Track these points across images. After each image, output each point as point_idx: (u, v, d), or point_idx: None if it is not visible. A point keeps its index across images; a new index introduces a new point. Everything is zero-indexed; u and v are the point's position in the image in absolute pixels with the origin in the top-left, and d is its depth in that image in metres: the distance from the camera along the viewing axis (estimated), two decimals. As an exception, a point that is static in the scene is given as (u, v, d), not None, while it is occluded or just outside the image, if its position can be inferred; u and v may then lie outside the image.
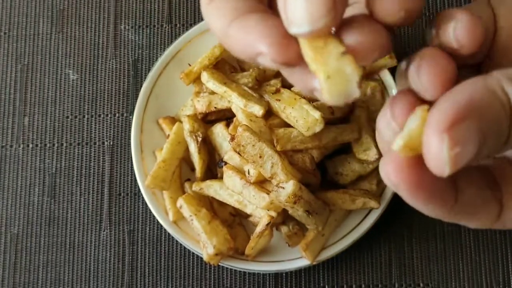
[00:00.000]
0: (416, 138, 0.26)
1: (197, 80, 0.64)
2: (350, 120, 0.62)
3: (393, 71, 0.63)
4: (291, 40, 0.26)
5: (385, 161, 0.27)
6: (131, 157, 0.64)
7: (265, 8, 0.29)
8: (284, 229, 0.61)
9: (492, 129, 0.26)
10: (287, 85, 0.62)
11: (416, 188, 0.27)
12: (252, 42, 0.26)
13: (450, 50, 0.28)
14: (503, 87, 0.26)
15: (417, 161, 0.27)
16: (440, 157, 0.25)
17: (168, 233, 0.65)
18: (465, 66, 0.32)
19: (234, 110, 0.61)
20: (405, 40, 0.69)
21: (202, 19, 0.69)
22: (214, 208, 0.63)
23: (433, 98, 0.27)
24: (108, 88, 0.70)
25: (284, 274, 0.64)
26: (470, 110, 0.25)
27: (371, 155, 0.59)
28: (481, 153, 0.26)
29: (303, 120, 0.58)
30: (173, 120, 0.66)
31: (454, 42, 0.28)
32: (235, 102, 0.60)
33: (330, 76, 0.25)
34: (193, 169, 0.64)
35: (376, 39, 0.27)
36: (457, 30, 0.28)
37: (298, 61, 0.26)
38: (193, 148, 0.62)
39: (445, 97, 0.26)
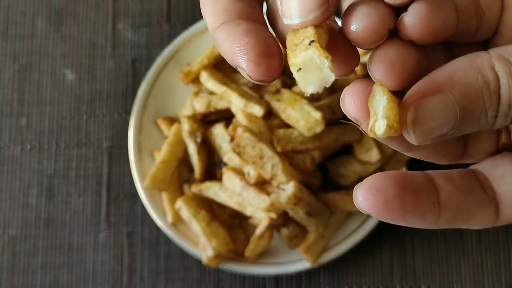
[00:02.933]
0: (392, 113, 0.26)
1: (196, 80, 0.64)
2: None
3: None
4: (270, 58, 0.27)
5: (356, 191, 0.28)
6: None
7: (256, 11, 0.30)
8: (284, 231, 0.61)
9: (472, 106, 0.26)
10: (288, 85, 0.61)
11: (383, 213, 0.28)
12: (234, 54, 0.27)
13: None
14: (493, 65, 0.26)
15: (389, 183, 0.28)
16: (405, 127, 0.26)
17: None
18: (472, 43, 0.31)
19: (233, 111, 0.61)
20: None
21: (201, 18, 0.68)
22: (214, 210, 0.63)
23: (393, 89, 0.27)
24: (106, 88, 0.70)
25: (284, 276, 0.64)
26: (447, 85, 0.26)
27: (373, 156, 0.59)
28: (462, 128, 0.26)
29: (303, 120, 0.57)
30: (172, 120, 0.65)
31: (404, 34, 0.28)
32: (235, 102, 0.60)
33: (301, 68, 0.25)
34: (192, 170, 0.64)
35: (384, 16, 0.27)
36: (408, 22, 0.27)
37: (273, 79, 0.27)
38: (192, 149, 0.62)
39: (430, 73, 0.27)
